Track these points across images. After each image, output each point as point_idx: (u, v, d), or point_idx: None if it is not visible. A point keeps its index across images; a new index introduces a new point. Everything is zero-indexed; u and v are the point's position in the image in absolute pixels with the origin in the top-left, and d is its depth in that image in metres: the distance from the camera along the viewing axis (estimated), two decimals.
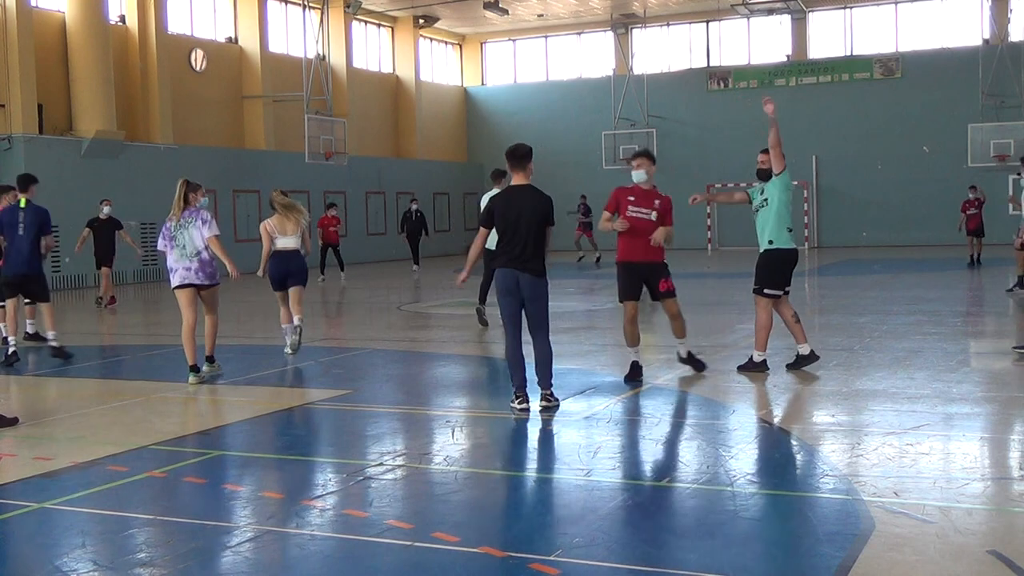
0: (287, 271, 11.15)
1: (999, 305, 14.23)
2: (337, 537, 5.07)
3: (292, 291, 11.17)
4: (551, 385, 7.95)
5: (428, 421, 7.98)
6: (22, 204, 11.38)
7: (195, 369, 9.59)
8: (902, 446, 6.63)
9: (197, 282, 9.64)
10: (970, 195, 23.07)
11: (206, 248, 9.61)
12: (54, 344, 11.61)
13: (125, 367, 11.41)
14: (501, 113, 38.67)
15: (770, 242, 9.20)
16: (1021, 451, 6.52)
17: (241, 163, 28.32)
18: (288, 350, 11.18)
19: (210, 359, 9.94)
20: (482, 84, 39.46)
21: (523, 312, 7.90)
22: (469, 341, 12.63)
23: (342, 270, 23.18)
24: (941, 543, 4.73)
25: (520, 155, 7.92)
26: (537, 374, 7.95)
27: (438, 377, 10.34)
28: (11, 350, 11.32)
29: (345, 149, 29.33)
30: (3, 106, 22.42)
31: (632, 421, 7.76)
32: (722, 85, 35.61)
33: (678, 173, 35.63)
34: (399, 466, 6.43)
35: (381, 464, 6.48)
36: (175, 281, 9.68)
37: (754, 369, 9.31)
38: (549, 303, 7.97)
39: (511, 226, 7.81)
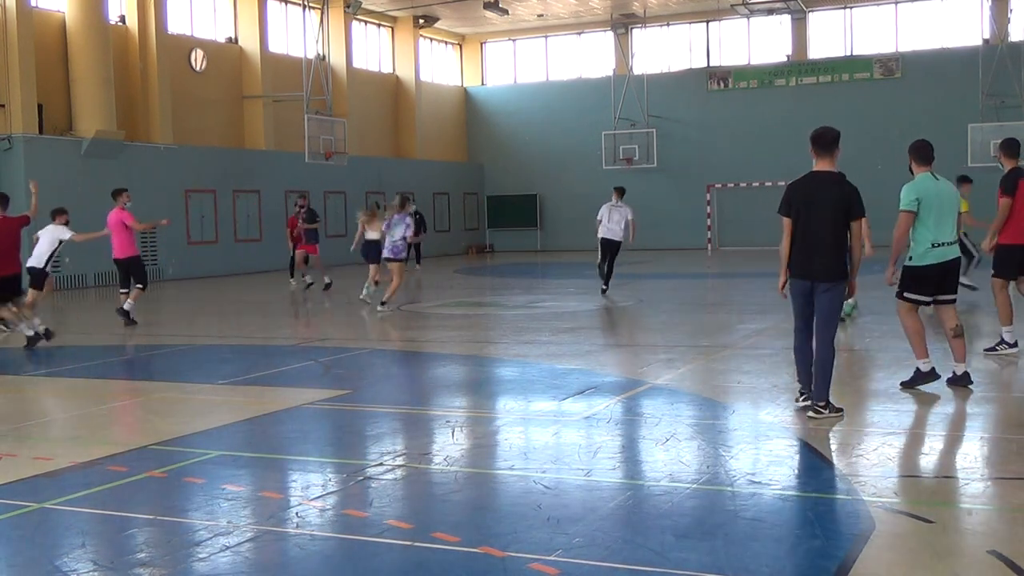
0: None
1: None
2: (337, 537, 5.07)
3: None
4: (823, 396, 7.30)
5: (428, 421, 7.98)
6: None
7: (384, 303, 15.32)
8: (902, 446, 6.63)
9: (388, 255, 15.73)
10: None
11: (402, 239, 15.52)
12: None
13: (125, 367, 11.41)
14: (501, 113, 38.66)
15: (909, 258, 8.42)
16: (1021, 451, 6.52)
17: (241, 163, 28.31)
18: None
19: (383, 303, 15.46)
20: (482, 84, 39.45)
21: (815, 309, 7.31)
22: (469, 341, 12.63)
23: (292, 276, 22.09)
24: (941, 543, 4.73)
25: (829, 139, 7.30)
26: (814, 378, 7.36)
27: (438, 377, 10.34)
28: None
29: (345, 149, 29.30)
30: (3, 106, 22.41)
31: (632, 421, 7.76)
32: (722, 85, 35.61)
33: (678, 173, 35.69)
34: (399, 466, 6.43)
35: (381, 464, 6.48)
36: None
37: (921, 380, 8.35)
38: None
39: (802, 217, 7.17)
